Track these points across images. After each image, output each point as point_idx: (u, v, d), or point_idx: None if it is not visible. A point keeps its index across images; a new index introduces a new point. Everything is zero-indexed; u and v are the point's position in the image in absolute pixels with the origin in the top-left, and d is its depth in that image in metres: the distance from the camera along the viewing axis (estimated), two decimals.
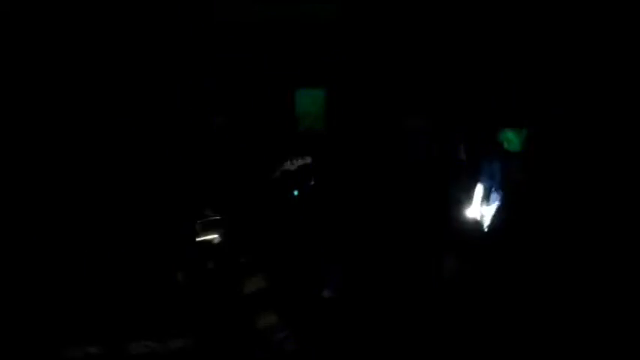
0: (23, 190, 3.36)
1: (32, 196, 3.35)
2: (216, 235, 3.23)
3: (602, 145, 3.22)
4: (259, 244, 3.47)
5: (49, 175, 3.42)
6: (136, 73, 3.88)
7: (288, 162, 3.59)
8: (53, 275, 3.08)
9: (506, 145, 3.14)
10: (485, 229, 3.23)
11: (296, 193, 3.61)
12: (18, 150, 3.43)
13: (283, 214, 3.56)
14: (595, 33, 3.50)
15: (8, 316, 2.79)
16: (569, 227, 2.97)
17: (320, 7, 4.11)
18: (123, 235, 3.26)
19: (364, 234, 3.48)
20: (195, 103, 4.01)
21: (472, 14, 3.96)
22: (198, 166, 3.65)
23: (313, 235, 3.43)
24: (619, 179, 3.11)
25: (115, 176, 3.52)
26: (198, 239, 3.22)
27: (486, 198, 3.28)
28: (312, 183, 3.62)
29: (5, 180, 3.33)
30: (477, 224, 3.27)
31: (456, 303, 3.01)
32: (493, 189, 3.25)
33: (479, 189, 3.31)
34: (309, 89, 4.16)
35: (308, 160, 3.62)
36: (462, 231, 3.31)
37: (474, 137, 3.61)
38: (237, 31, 4.07)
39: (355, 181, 3.69)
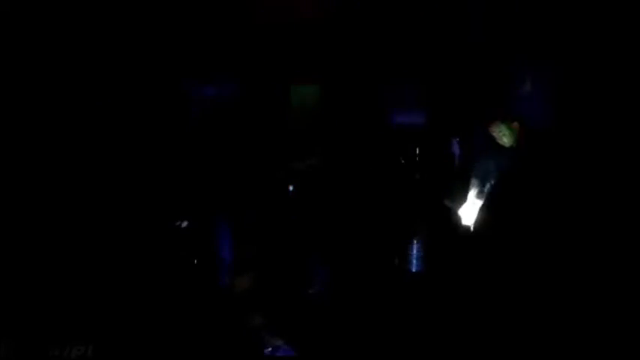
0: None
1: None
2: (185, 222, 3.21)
3: (596, 140, 3.18)
4: (253, 240, 3.49)
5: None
6: (135, 72, 3.92)
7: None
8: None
9: (499, 140, 3.12)
10: (477, 225, 3.21)
11: (291, 188, 3.63)
12: (14, 149, 3.47)
13: (278, 209, 3.58)
14: (594, 30, 3.47)
15: None
16: (562, 223, 2.94)
17: None
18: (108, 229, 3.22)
19: (355, 231, 3.48)
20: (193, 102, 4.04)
21: (466, 10, 3.94)
22: (194, 162, 3.68)
23: (305, 232, 3.44)
24: (614, 174, 3.07)
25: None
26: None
27: (480, 193, 3.26)
28: (307, 179, 3.63)
29: None
30: (471, 219, 3.25)
31: (448, 300, 3.00)
32: (486, 184, 3.23)
33: (472, 184, 3.29)
34: (304, 85, 4.17)
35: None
36: (455, 226, 3.29)
37: (467, 132, 3.59)
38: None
39: (348, 178, 3.70)
